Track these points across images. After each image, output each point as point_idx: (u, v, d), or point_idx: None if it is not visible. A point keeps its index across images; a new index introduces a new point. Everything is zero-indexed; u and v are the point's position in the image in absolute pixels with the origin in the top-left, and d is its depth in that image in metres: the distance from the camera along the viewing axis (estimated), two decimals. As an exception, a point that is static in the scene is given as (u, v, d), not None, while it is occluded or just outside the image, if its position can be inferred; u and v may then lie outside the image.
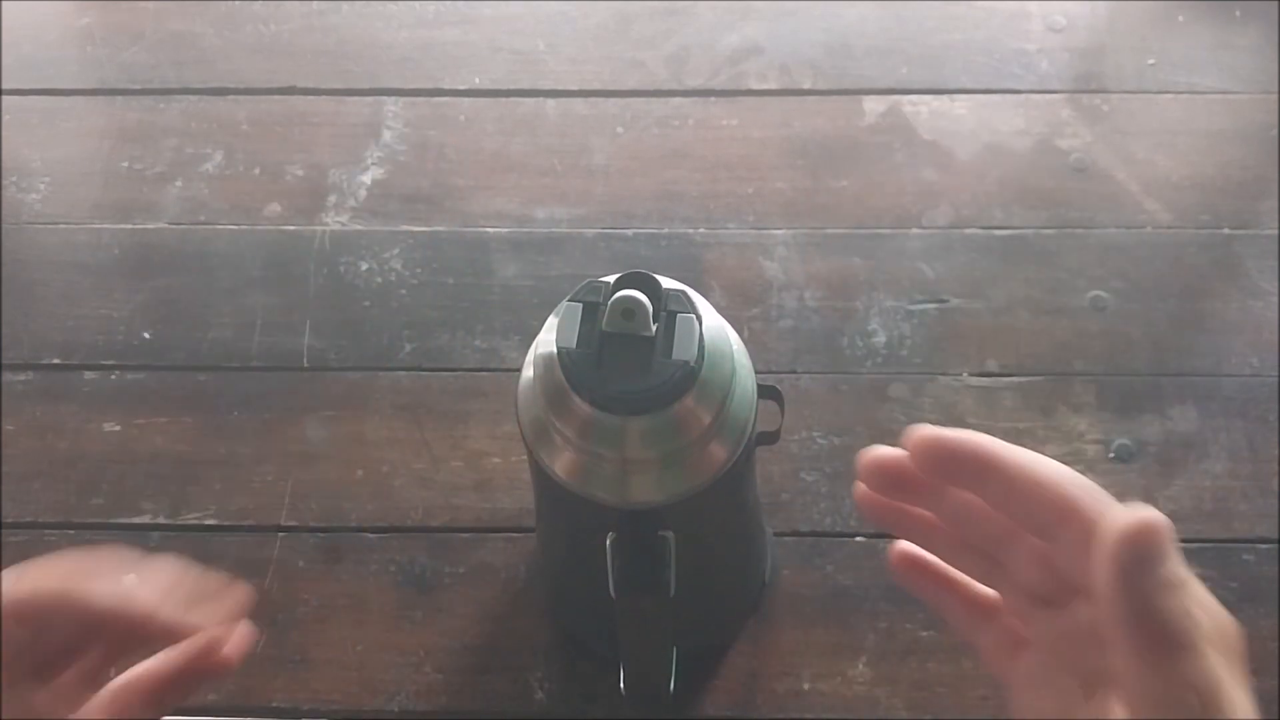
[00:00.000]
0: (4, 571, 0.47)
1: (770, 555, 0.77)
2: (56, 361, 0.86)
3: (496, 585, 0.78)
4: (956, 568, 0.42)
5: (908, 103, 0.95)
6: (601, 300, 0.56)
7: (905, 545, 0.43)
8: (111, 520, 0.80)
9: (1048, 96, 0.95)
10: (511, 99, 0.96)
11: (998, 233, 0.89)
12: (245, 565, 0.79)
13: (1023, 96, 0.95)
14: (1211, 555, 0.77)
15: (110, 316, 0.88)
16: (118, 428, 0.84)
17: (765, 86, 0.96)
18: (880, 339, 0.85)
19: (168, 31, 1.00)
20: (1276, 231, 0.88)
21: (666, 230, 0.90)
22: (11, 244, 0.91)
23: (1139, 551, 0.33)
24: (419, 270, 0.89)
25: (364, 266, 0.89)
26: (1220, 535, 0.78)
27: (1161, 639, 0.33)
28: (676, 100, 0.96)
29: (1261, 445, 0.81)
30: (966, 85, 0.96)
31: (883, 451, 0.41)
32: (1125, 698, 0.34)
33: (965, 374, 0.84)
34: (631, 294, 0.55)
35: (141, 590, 0.48)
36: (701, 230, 0.90)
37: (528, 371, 0.60)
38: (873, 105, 0.95)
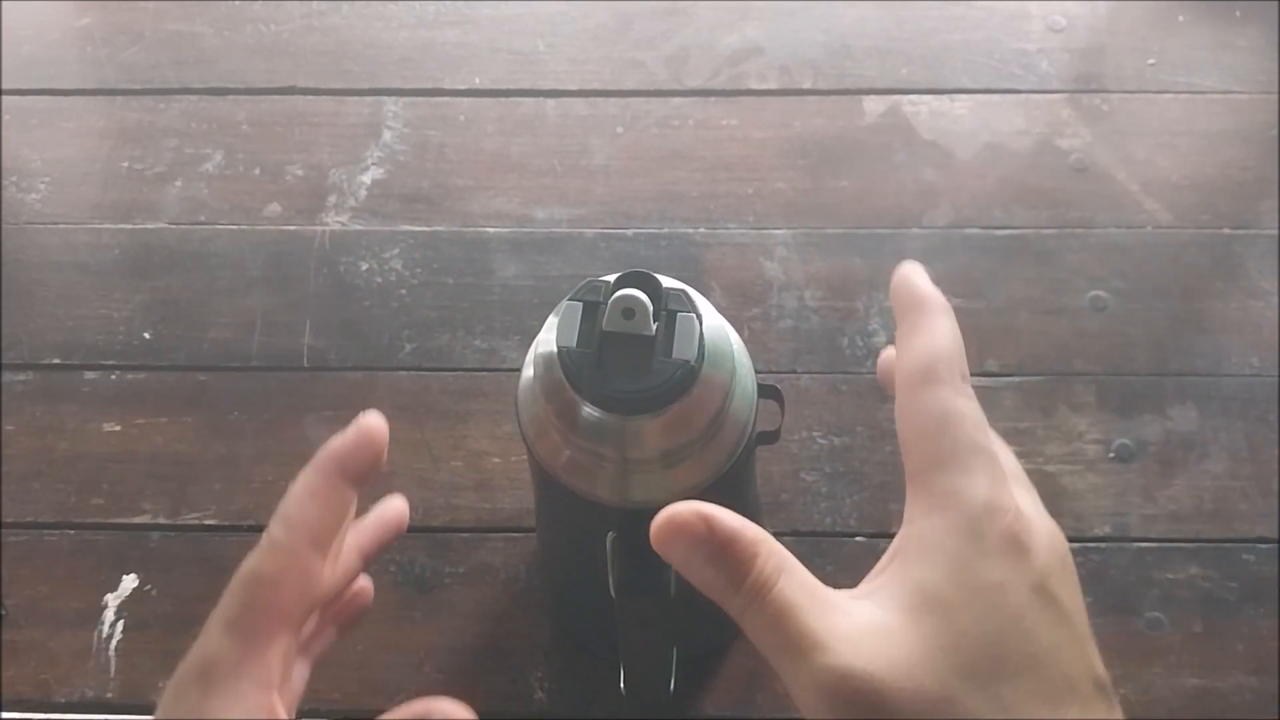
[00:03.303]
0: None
1: (770, 555, 0.77)
2: (56, 361, 0.86)
3: (496, 585, 0.78)
4: None
5: (908, 103, 0.95)
6: (601, 299, 0.56)
7: None
8: (111, 520, 0.80)
9: (1048, 96, 0.95)
10: (511, 99, 0.96)
11: (998, 233, 0.89)
12: (245, 565, 0.79)
13: (1023, 96, 0.95)
14: (1211, 555, 0.77)
15: (110, 316, 0.88)
16: (118, 428, 0.84)
17: (765, 86, 0.96)
18: (880, 339, 0.85)
19: (168, 31, 1.00)
20: (1276, 231, 0.88)
21: (666, 230, 0.90)
22: (11, 244, 0.91)
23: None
24: (419, 270, 0.89)
25: (364, 266, 0.89)
26: (1220, 535, 0.77)
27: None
28: (676, 100, 0.96)
29: (1261, 445, 0.81)
30: (966, 85, 0.96)
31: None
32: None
33: (965, 374, 0.84)
34: (632, 293, 0.54)
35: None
36: (701, 230, 0.90)
37: (528, 371, 0.60)
38: (873, 105, 0.95)
